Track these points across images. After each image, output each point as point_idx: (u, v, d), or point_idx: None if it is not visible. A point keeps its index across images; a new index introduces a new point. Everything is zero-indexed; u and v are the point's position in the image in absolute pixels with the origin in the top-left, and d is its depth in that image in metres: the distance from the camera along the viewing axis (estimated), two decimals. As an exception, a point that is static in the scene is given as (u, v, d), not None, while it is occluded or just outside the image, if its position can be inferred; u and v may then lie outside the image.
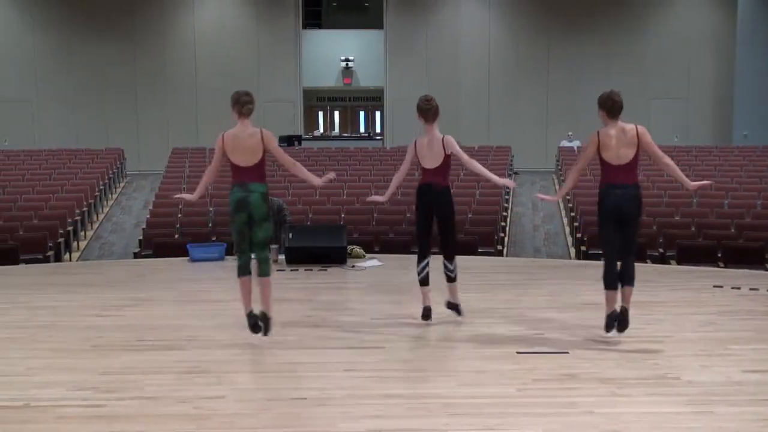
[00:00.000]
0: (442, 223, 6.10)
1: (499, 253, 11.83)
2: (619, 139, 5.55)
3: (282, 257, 8.87)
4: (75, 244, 13.47)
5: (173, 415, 4.25)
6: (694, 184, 5.78)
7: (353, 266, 8.77)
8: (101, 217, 15.99)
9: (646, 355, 5.30)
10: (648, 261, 9.73)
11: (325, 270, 8.50)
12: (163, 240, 11.11)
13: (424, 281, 6.11)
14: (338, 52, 24.93)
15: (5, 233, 11.62)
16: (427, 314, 6.13)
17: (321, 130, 28.05)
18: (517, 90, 23.32)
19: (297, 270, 8.52)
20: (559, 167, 18.54)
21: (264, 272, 5.56)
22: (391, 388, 4.67)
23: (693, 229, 11.30)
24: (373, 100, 26.71)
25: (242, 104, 5.61)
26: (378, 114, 27.48)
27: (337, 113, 28.83)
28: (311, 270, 8.50)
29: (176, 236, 11.56)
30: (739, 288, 7.49)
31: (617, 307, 5.58)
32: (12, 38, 22.52)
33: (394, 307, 6.81)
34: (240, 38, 23.47)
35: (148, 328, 6.12)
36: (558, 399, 4.47)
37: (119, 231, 15.24)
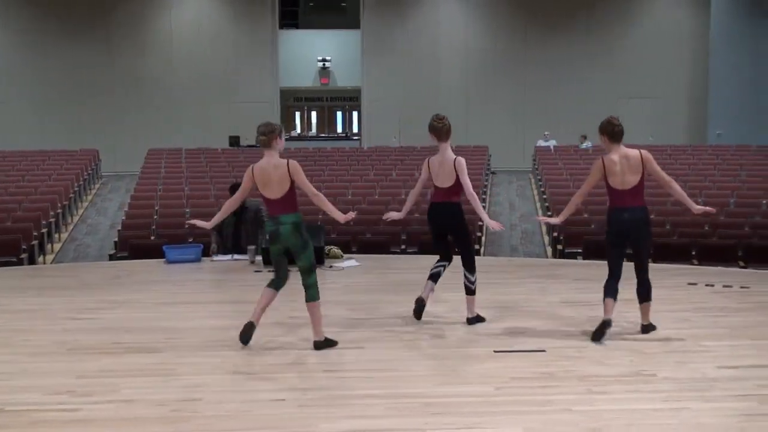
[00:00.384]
0: (457, 240, 6.16)
1: (477, 253, 11.85)
2: (623, 166, 5.66)
3: (259, 258, 8.84)
4: (49, 246, 13.34)
5: (150, 418, 4.22)
6: (698, 209, 5.86)
7: (331, 266, 8.76)
8: (76, 218, 15.84)
9: (623, 353, 5.35)
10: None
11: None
12: (139, 242, 11.03)
13: (432, 277, 6.19)
14: (315, 52, 24.91)
15: (-22, 236, 11.47)
16: (419, 306, 6.15)
17: (298, 130, 28.00)
18: (495, 90, 23.43)
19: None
20: (536, 167, 18.65)
21: (308, 297, 5.53)
22: (370, 388, 4.67)
23: (668, 227, 11.41)
24: (350, 100, 26.72)
25: (257, 135, 5.55)
26: (355, 114, 27.49)
27: (314, 113, 28.80)
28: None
29: (152, 238, 11.48)
30: (713, 285, 7.58)
31: (611, 316, 5.70)
32: (-16, 38, 22.27)
33: (373, 307, 6.81)
34: (217, 38, 23.35)
35: (125, 330, 6.07)
36: (536, 397, 4.50)
37: (94, 233, 15.10)
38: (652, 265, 6.01)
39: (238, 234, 9.26)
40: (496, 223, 6.10)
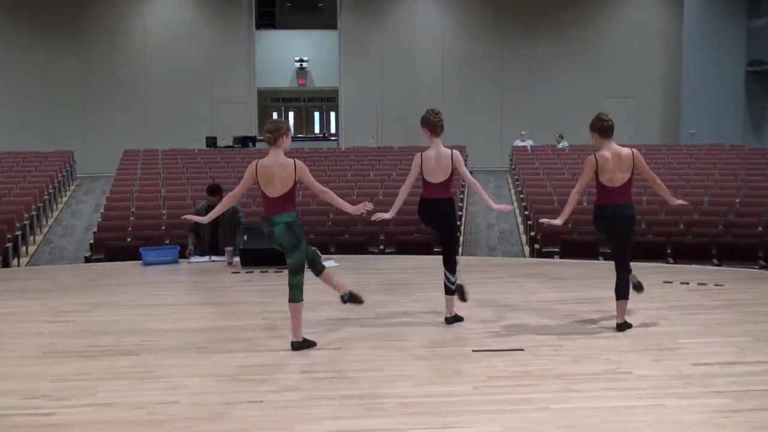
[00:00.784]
0: (444, 237, 6.11)
1: (457, 253, 11.88)
2: (616, 163, 5.75)
3: (237, 259, 8.80)
4: (24, 249, 13.19)
5: (127, 421, 4.19)
6: (676, 202, 6.22)
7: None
8: (51, 221, 15.67)
9: (599, 351, 5.39)
10: (600, 258, 9.90)
11: (281, 272, 8.45)
12: (116, 243, 10.93)
13: (449, 291, 6.11)
14: (292, 52, 24.84)
15: (-50, 239, 11.32)
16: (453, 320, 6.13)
17: (275, 130, 27.82)
18: (471, 90, 23.51)
19: (252, 272, 8.47)
20: (513, 166, 18.74)
21: (292, 298, 5.49)
22: (348, 389, 4.67)
23: (643, 226, 11.52)
24: (327, 100, 26.67)
25: (264, 133, 5.53)
26: (333, 114, 27.45)
27: (291, 114, 28.72)
28: (267, 272, 8.45)
29: (128, 239, 11.39)
30: (687, 283, 7.67)
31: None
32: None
33: (350, 308, 6.80)
34: (192, 38, 23.22)
35: (101, 333, 6.02)
36: (514, 396, 4.52)
37: (70, 235, 14.96)
38: (628, 264, 6.06)
39: (216, 235, 9.21)
40: (504, 206, 6.22)
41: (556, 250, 10.97)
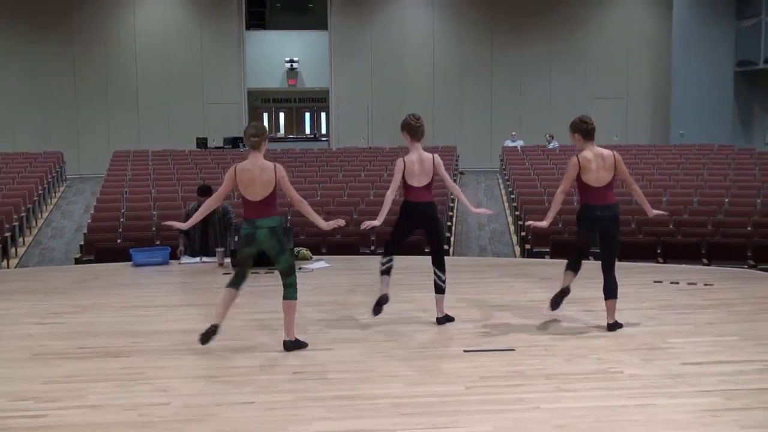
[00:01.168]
0: (432, 238, 6.16)
1: (445, 252, 11.90)
2: (598, 164, 5.85)
3: (228, 260, 8.78)
4: (13, 250, 13.12)
5: (118, 423, 4.17)
6: (654, 212, 6.26)
7: (300, 268, 8.73)
8: (40, 222, 15.60)
9: (590, 351, 5.41)
10: (591, 258, 9.93)
11: (272, 272, 8.44)
12: (106, 245, 10.88)
13: (386, 271, 6.15)
14: (282, 53, 24.79)
15: (-61, 240, 11.24)
16: (382, 302, 6.14)
17: (266, 131, 27.75)
18: (461, 90, 23.54)
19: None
20: (504, 167, 18.77)
21: (287, 295, 5.48)
22: (339, 390, 4.67)
23: (633, 225, 11.56)
24: (318, 101, 26.63)
25: (246, 137, 5.50)
26: (323, 115, 27.42)
27: (282, 114, 28.66)
28: (258, 273, 8.43)
29: (119, 241, 11.34)
30: (677, 283, 7.70)
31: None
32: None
33: (342, 309, 6.81)
34: (183, 39, 23.15)
35: (91, 335, 5.99)
36: (506, 396, 4.53)
37: (59, 236, 14.89)
38: (618, 263, 6.09)
39: (206, 236, 9.19)
40: (484, 210, 6.25)
41: (547, 250, 10.99)
